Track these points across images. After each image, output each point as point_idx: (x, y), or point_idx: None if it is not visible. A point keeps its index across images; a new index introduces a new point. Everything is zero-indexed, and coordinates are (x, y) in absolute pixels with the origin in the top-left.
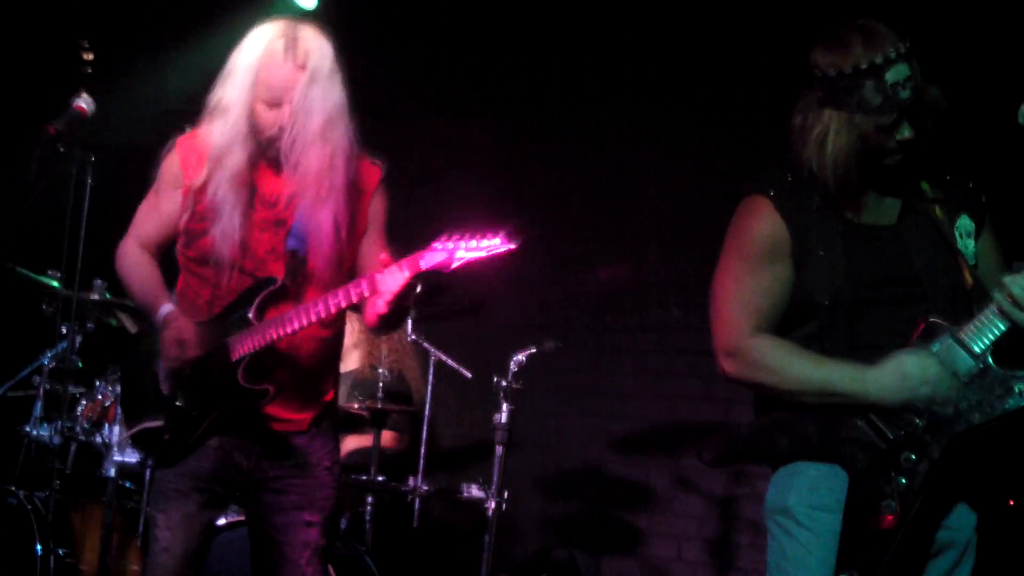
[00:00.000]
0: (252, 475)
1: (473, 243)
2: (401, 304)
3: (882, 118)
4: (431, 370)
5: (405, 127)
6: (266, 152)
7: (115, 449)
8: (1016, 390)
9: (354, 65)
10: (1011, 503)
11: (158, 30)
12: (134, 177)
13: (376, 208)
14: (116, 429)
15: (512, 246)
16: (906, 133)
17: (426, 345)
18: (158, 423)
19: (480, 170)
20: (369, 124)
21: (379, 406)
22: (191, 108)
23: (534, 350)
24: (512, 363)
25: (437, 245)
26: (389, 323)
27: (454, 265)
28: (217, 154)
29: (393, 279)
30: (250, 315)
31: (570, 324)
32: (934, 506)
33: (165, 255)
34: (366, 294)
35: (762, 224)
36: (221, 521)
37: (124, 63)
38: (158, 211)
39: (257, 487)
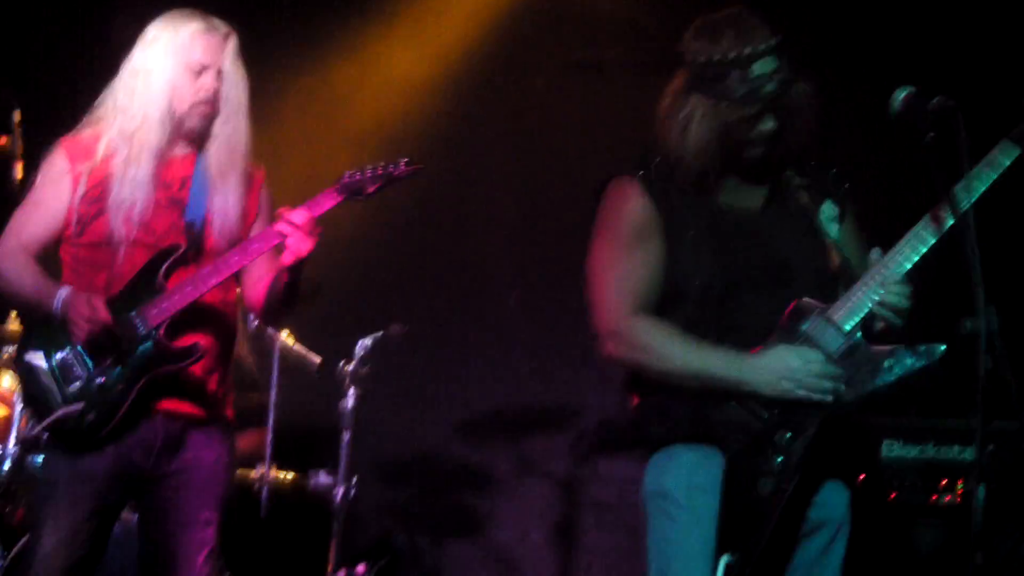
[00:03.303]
0: (152, 472)
1: (377, 171)
2: (299, 268)
3: (745, 109)
4: (276, 356)
5: None
6: (183, 126)
7: None
8: (885, 366)
9: None
10: (861, 477)
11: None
12: None
13: (264, 199)
14: None
15: (418, 166)
16: (769, 125)
17: (270, 331)
18: (78, 407)
19: None
20: None
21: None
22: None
23: (381, 334)
24: (358, 347)
25: (344, 177)
26: (282, 297)
27: (371, 188)
28: (129, 130)
29: (299, 215)
30: (160, 280)
31: (412, 309)
32: (808, 484)
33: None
34: (286, 232)
35: (631, 205)
36: None
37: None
38: (41, 208)
39: (155, 484)
